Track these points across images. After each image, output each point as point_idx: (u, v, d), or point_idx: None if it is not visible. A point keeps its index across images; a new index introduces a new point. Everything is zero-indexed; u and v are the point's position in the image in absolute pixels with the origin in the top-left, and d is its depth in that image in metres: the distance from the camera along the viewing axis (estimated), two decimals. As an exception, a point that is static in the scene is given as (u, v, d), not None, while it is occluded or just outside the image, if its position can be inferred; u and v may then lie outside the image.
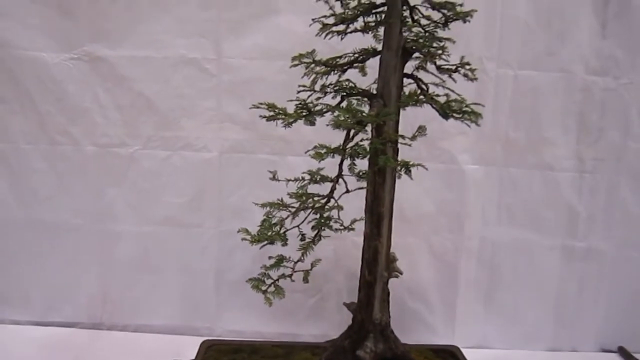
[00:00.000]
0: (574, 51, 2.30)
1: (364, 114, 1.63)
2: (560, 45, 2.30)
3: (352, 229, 1.73)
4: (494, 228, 2.45)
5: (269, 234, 1.58)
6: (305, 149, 1.64)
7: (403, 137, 1.64)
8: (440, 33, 1.72)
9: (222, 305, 2.49)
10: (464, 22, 1.64)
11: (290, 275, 1.63)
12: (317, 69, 1.71)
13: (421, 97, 1.68)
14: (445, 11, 1.64)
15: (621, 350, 2.47)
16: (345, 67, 1.76)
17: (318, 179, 1.69)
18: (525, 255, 2.46)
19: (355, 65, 1.76)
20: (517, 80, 2.33)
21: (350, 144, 1.60)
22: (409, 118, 1.91)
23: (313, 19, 1.67)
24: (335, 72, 1.76)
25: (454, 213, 2.44)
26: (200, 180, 2.40)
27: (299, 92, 1.68)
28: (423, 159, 2.32)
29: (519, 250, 2.46)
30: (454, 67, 1.64)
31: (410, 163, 1.59)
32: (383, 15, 1.66)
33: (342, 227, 1.69)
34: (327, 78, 1.74)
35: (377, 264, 1.77)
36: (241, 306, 2.47)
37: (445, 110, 1.66)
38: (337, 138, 1.69)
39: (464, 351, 2.25)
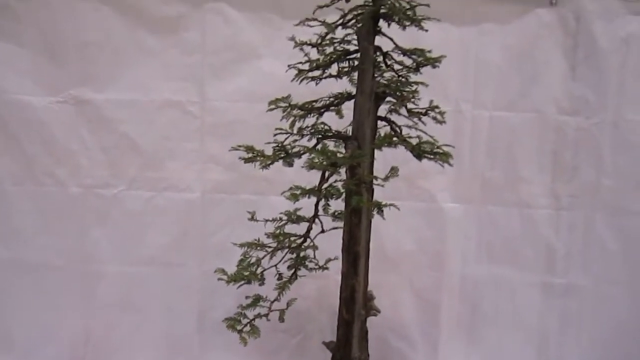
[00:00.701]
0: (546, 93, 2.38)
1: (339, 155, 1.69)
2: (532, 88, 2.39)
3: (327, 268, 1.76)
4: (474, 265, 2.49)
5: (246, 274, 1.60)
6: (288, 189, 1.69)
7: (376, 177, 1.69)
8: (417, 77, 1.80)
9: (205, 345, 2.49)
10: (433, 67, 1.71)
11: (266, 315, 1.66)
12: (295, 112, 1.78)
13: (395, 138, 1.73)
14: (415, 57, 1.72)
15: (604, 387, 2.48)
16: (322, 110, 1.82)
17: (295, 219, 1.72)
18: (506, 292, 2.49)
19: (331, 108, 1.83)
20: (492, 121, 2.41)
21: (325, 185, 1.64)
22: (389, 158, 1.97)
23: (289, 65, 1.74)
24: (313, 114, 1.83)
25: (435, 251, 2.47)
26: (183, 221, 2.43)
27: (275, 134, 1.73)
28: (403, 198, 2.41)
29: (499, 287, 2.49)
30: (423, 111, 1.70)
31: (383, 203, 1.62)
32: (356, 62, 1.74)
33: (317, 267, 1.71)
34: (304, 121, 1.80)
35: (354, 303, 1.79)
36: (224, 345, 2.45)
37: (418, 152, 1.72)
38: (317, 178, 1.74)
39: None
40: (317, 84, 1.76)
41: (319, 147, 1.72)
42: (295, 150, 1.77)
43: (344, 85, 1.85)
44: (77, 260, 2.44)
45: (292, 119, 1.78)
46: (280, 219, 1.75)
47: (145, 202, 2.42)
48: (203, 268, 2.43)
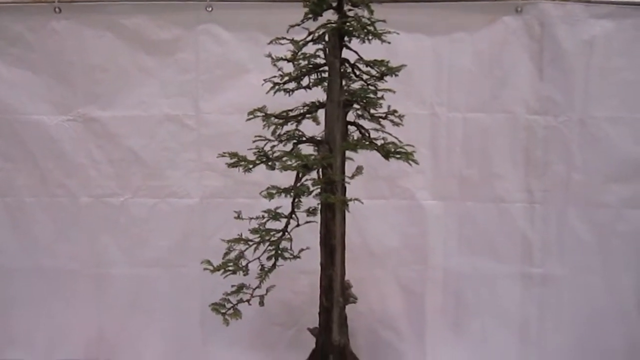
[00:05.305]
0: (515, 94, 2.54)
1: (314, 158, 1.88)
2: (502, 90, 2.54)
3: (299, 257, 1.94)
4: (456, 259, 2.64)
5: (230, 265, 1.81)
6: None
7: (344, 177, 1.88)
8: (387, 84, 1.98)
9: (209, 340, 2.68)
10: (393, 75, 1.90)
11: (248, 300, 1.86)
12: (274, 120, 1.98)
13: (363, 141, 1.92)
14: (377, 67, 1.91)
15: (585, 371, 2.62)
16: (299, 118, 2.02)
17: (275, 216, 1.92)
18: (487, 282, 2.64)
19: (307, 116, 2.03)
20: (466, 122, 2.57)
21: (299, 185, 1.84)
22: (371, 160, 2.13)
23: (265, 80, 1.95)
24: (292, 122, 2.03)
25: (418, 246, 2.64)
26: (184, 224, 2.64)
27: (254, 141, 1.93)
28: (386, 197, 2.59)
29: (480, 278, 2.64)
30: (383, 115, 1.89)
31: (348, 199, 1.81)
32: (325, 74, 1.94)
33: (291, 256, 1.90)
34: (283, 128, 2.00)
35: (332, 291, 1.97)
36: (226, 340, 2.66)
37: (384, 152, 1.90)
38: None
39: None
40: (290, 95, 1.96)
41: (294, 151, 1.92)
42: (276, 155, 1.97)
43: (321, 94, 2.05)
44: (89, 265, 2.67)
45: (273, 127, 1.99)
46: (263, 216, 1.94)
47: (149, 208, 2.64)
48: (203, 267, 2.63)
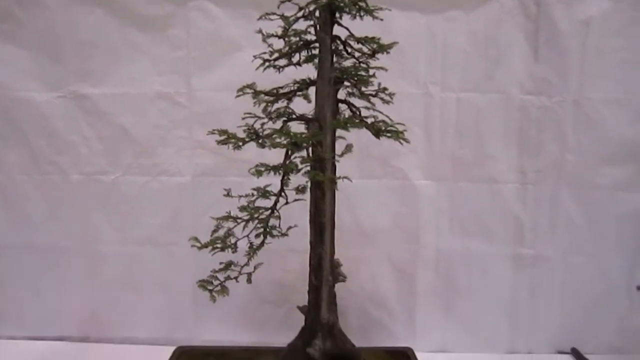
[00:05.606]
0: (510, 74, 2.51)
1: (303, 135, 1.87)
2: (497, 70, 2.51)
3: (287, 235, 1.94)
4: (448, 239, 2.63)
5: (218, 242, 1.80)
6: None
7: (334, 155, 1.86)
8: (380, 62, 1.96)
9: (200, 318, 2.69)
10: (386, 53, 1.87)
11: (236, 277, 1.86)
12: (265, 97, 1.96)
13: (353, 119, 1.91)
14: (369, 45, 1.88)
15: (574, 352, 2.62)
16: (290, 96, 2.00)
17: (264, 194, 1.91)
18: (478, 262, 2.63)
19: (298, 93, 2.01)
20: (460, 103, 2.54)
21: (288, 162, 1.83)
22: (364, 139, 2.10)
23: (254, 56, 1.92)
24: (283, 100, 2.01)
25: (410, 226, 2.63)
26: (176, 203, 2.63)
27: (243, 118, 1.92)
28: (378, 177, 2.59)
29: (472, 258, 2.63)
30: (374, 93, 1.87)
31: (336, 177, 1.80)
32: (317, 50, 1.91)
33: (279, 234, 1.90)
34: (273, 105, 1.98)
35: (322, 269, 1.97)
36: (217, 318, 2.67)
37: (374, 130, 1.89)
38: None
39: (426, 355, 2.46)
40: (280, 71, 1.94)
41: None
42: (266, 132, 1.95)
43: (312, 72, 2.02)
44: (81, 242, 2.66)
45: (264, 104, 1.97)
46: (252, 194, 1.93)
47: (140, 186, 2.63)
48: (191, 245, 2.62)
